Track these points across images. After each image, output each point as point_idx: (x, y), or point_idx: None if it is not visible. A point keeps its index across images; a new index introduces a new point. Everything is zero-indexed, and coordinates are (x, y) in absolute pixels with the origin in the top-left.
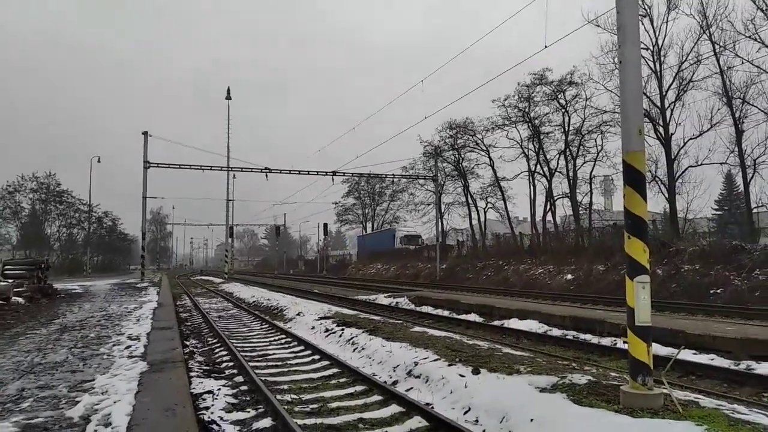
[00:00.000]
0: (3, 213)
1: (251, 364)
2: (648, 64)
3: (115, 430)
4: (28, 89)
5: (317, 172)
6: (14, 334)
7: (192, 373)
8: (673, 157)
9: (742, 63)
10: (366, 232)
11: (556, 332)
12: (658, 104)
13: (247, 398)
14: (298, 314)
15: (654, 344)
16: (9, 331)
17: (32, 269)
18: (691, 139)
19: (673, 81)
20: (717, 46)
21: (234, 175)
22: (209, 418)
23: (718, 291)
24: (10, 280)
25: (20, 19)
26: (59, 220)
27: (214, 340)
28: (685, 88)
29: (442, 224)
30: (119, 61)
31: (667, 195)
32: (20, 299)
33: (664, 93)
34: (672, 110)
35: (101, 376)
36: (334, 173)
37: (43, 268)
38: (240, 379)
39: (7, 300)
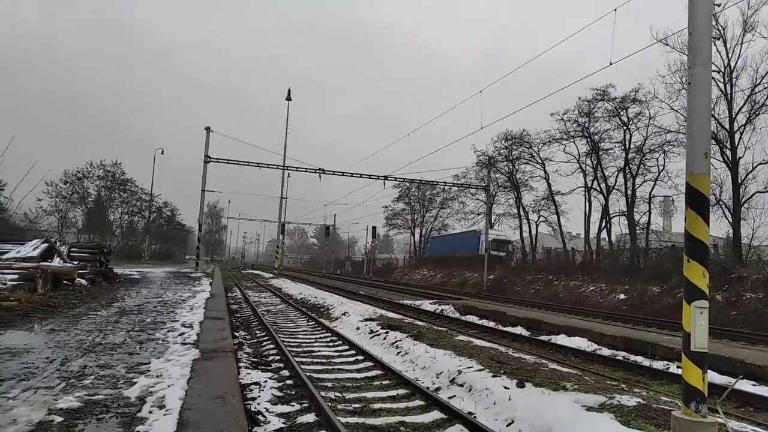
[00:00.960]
0: (71, 197)
1: (297, 359)
2: (718, 86)
3: (169, 412)
4: (95, 81)
5: (369, 175)
6: (77, 314)
7: (240, 364)
8: (739, 181)
9: None
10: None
11: (605, 352)
12: (727, 127)
13: (292, 392)
14: (344, 314)
15: (710, 372)
16: (72, 311)
17: (95, 253)
18: (760, 164)
19: (744, 104)
20: None
21: (289, 174)
22: (256, 408)
23: None
24: (75, 262)
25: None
26: (122, 207)
27: (262, 333)
28: (757, 112)
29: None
30: (181, 57)
31: (731, 220)
32: (83, 281)
33: (733, 116)
34: (741, 134)
35: (156, 360)
36: (386, 177)
37: (106, 253)
38: (286, 373)
39: (72, 280)
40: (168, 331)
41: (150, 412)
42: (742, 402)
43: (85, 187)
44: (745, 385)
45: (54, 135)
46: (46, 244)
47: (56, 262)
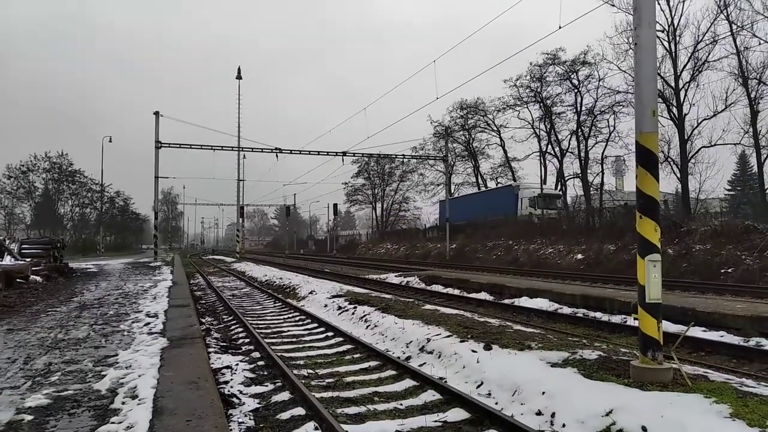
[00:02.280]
0: (17, 193)
1: (267, 340)
2: (663, 44)
3: (142, 401)
4: (41, 69)
5: (327, 152)
6: (35, 311)
7: (210, 350)
8: (686, 137)
9: (760, 43)
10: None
11: (566, 310)
12: (672, 85)
13: (265, 373)
14: (311, 292)
15: (664, 321)
16: (30, 309)
17: (48, 248)
18: (705, 119)
19: (688, 61)
20: (734, 26)
21: (244, 155)
22: (229, 391)
23: (729, 270)
24: (28, 259)
25: None
26: (72, 199)
27: (230, 318)
28: (701, 69)
29: None
30: (129, 39)
31: (679, 175)
32: (38, 278)
33: (678, 73)
34: (686, 91)
35: (124, 351)
36: (344, 153)
37: (59, 248)
38: (257, 354)
39: (26, 278)
40: (133, 322)
41: (123, 402)
42: (694, 348)
43: (31, 181)
44: (697, 332)
45: None
46: None
47: (7, 260)
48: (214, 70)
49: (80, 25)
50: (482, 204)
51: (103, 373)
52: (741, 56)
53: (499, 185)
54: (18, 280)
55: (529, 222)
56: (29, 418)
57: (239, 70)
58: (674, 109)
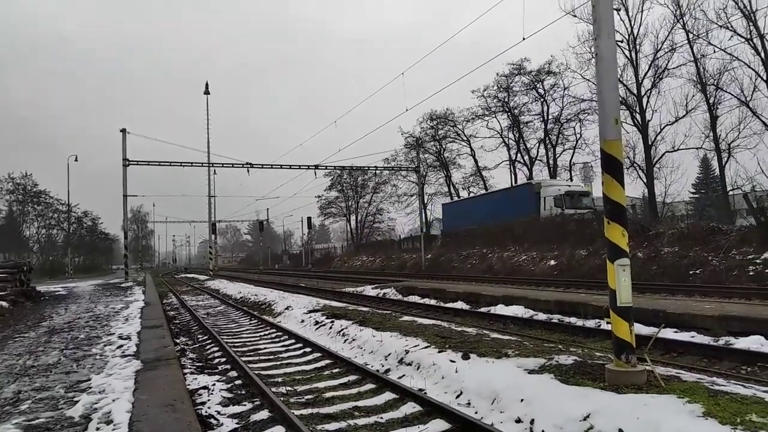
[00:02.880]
0: None
1: (244, 359)
2: (624, 53)
3: (117, 426)
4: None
5: (299, 165)
6: (2, 338)
7: (185, 370)
8: (650, 143)
9: (715, 51)
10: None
11: (541, 316)
12: (635, 92)
13: (243, 392)
14: (287, 308)
15: (636, 324)
16: None
17: (14, 272)
18: (667, 125)
19: (649, 69)
20: (691, 35)
21: (215, 171)
22: (207, 412)
23: (697, 271)
24: None
25: None
26: (38, 221)
27: (205, 337)
28: (661, 76)
29: (426, 214)
30: (93, 58)
31: (645, 180)
32: (4, 303)
33: (640, 81)
34: (648, 97)
35: (96, 375)
36: (316, 167)
37: (26, 271)
38: (234, 374)
39: None
40: (105, 345)
41: (97, 429)
42: (667, 349)
43: None
44: (668, 333)
45: None
46: None
47: None
48: (181, 86)
49: (37, 44)
50: (495, 206)
51: (75, 399)
52: (698, 63)
53: (517, 184)
54: None
55: (560, 223)
56: None
57: (207, 85)
58: (638, 116)
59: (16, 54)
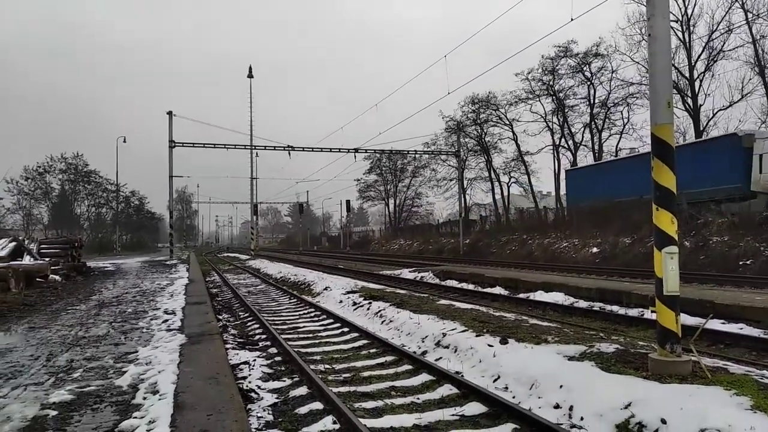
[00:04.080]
0: (34, 194)
1: (283, 336)
2: (677, 35)
3: (163, 396)
4: (56, 73)
5: (339, 149)
6: (55, 310)
7: (227, 346)
8: (701, 128)
9: None
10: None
11: (582, 304)
12: (687, 75)
13: (282, 368)
14: (326, 289)
15: (682, 314)
16: (50, 307)
17: (66, 248)
18: (720, 110)
19: (703, 51)
20: (749, 14)
21: (257, 154)
22: (248, 386)
23: (748, 262)
24: (47, 259)
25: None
26: (88, 199)
27: (246, 314)
28: (715, 59)
29: (465, 199)
30: (144, 44)
31: None
32: (57, 277)
33: (692, 64)
34: (701, 81)
35: (143, 348)
36: (356, 150)
37: (77, 247)
38: (273, 350)
39: (45, 278)
40: (151, 319)
41: (144, 398)
42: (713, 340)
43: (48, 182)
44: (715, 324)
45: (9, 132)
46: (14, 243)
47: (27, 260)
48: (226, 72)
49: (84, 35)
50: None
51: (123, 369)
52: (757, 45)
53: (708, 138)
54: (38, 279)
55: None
56: (54, 413)
57: (250, 68)
58: (689, 100)
59: (68, 39)
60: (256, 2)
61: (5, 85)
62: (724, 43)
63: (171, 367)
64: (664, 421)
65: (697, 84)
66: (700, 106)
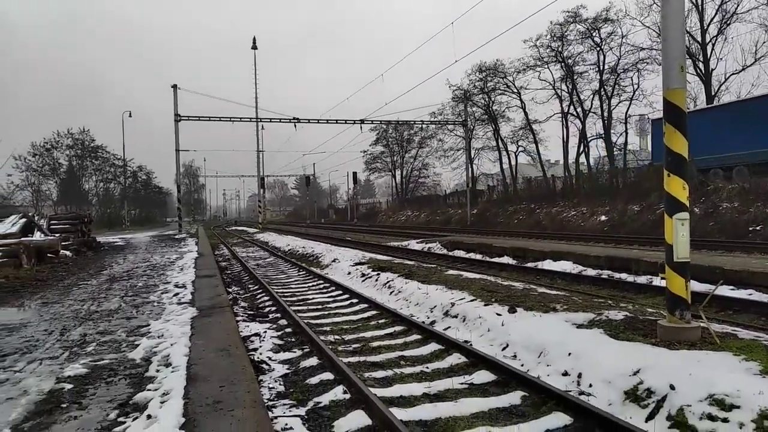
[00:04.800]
0: (42, 170)
1: (293, 308)
2: None
3: (176, 369)
4: (58, 48)
5: (345, 120)
6: (67, 285)
7: (238, 318)
8: (713, 93)
9: None
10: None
11: (590, 272)
12: (699, 39)
13: (292, 340)
14: (334, 261)
15: (691, 281)
16: (62, 283)
17: (76, 223)
18: (733, 74)
19: (716, 14)
20: None
21: (263, 126)
22: (259, 358)
23: (758, 228)
24: (57, 235)
25: None
26: (96, 175)
27: (255, 287)
28: (728, 21)
29: (473, 169)
30: (144, 17)
31: None
32: (68, 252)
33: (705, 27)
34: (713, 45)
35: (155, 321)
36: (362, 121)
37: (87, 222)
38: (284, 322)
39: (56, 253)
40: (162, 293)
41: (157, 370)
42: (722, 306)
43: (55, 158)
44: (725, 291)
45: (14, 108)
46: (24, 219)
47: (37, 236)
48: (230, 44)
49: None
50: None
51: (136, 342)
52: None
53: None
54: (49, 255)
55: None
56: (69, 386)
57: (254, 40)
58: (701, 65)
59: (72, 17)
60: None
61: (6, 54)
62: (738, 5)
63: (183, 340)
64: (672, 387)
65: (709, 48)
66: (712, 70)
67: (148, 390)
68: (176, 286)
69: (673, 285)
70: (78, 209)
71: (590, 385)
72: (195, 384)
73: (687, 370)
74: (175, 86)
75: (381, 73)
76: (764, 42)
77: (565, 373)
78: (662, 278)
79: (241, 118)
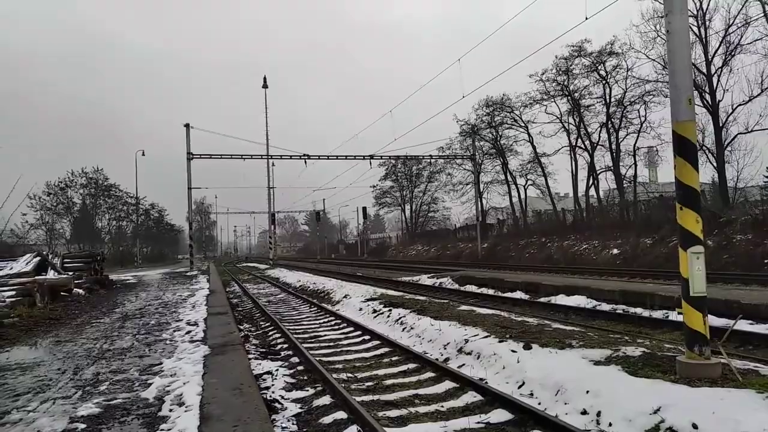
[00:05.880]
0: (56, 209)
1: (305, 345)
2: (693, 30)
3: (189, 408)
4: (73, 88)
5: (354, 156)
6: (80, 323)
7: (250, 356)
8: (721, 124)
9: None
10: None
11: (605, 307)
12: (704, 71)
13: (305, 378)
14: (345, 297)
15: (709, 315)
16: (75, 321)
17: (89, 261)
18: (740, 105)
19: (720, 46)
20: (767, 7)
21: (273, 163)
22: (272, 396)
23: None
24: (70, 273)
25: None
26: (108, 213)
27: (267, 324)
28: (733, 53)
29: (482, 203)
30: (156, 55)
31: (715, 164)
32: (81, 291)
33: (710, 59)
34: (719, 76)
35: (167, 360)
36: (371, 156)
37: (100, 260)
38: (295, 360)
39: (70, 291)
40: (174, 331)
41: (170, 410)
42: (742, 341)
43: (69, 197)
44: (743, 325)
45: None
46: (38, 258)
47: (51, 274)
48: (240, 82)
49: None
50: None
51: (149, 381)
52: None
53: None
54: (62, 293)
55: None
56: (82, 426)
57: (265, 79)
58: (707, 96)
59: (85, 54)
60: (273, 14)
61: (21, 94)
62: (742, 36)
63: (196, 379)
64: (695, 426)
65: (715, 79)
66: (719, 101)
67: (162, 430)
68: (188, 323)
69: (690, 320)
70: (91, 247)
71: (610, 424)
72: (208, 423)
73: (710, 409)
74: (187, 125)
75: (390, 109)
76: None
77: (584, 412)
78: (679, 313)
79: (252, 155)
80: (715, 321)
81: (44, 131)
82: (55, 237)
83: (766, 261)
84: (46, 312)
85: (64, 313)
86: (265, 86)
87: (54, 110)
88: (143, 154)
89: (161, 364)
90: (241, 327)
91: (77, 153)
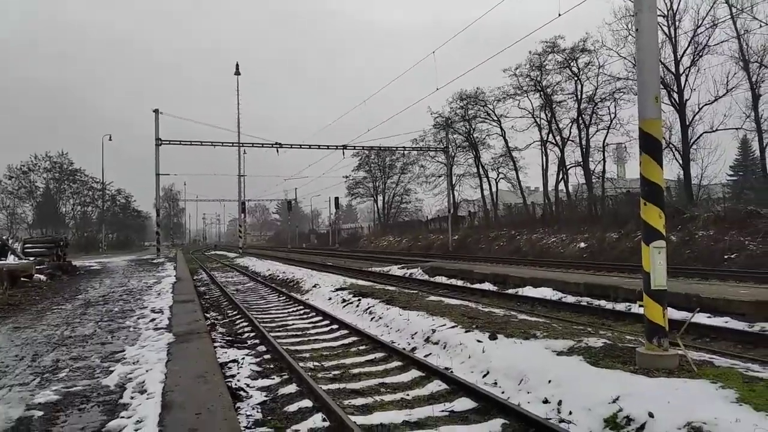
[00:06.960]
0: (18, 192)
1: (272, 334)
2: (662, 30)
3: (151, 396)
4: (38, 71)
5: (327, 146)
6: (41, 309)
7: (216, 344)
8: (687, 123)
9: (761, 26)
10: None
11: (570, 299)
12: (673, 70)
13: (271, 366)
14: (315, 286)
15: (668, 308)
16: (35, 307)
17: (52, 247)
18: (706, 104)
19: (688, 46)
20: (734, 9)
21: (245, 151)
22: (237, 385)
23: (733, 256)
24: (31, 258)
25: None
26: (73, 198)
27: (234, 312)
28: (701, 53)
29: (454, 196)
30: (127, 40)
31: (681, 161)
32: (42, 276)
33: (678, 59)
34: (687, 76)
35: (130, 347)
36: (344, 147)
37: (62, 246)
38: (262, 348)
39: (30, 277)
40: (138, 318)
41: (132, 397)
42: (699, 334)
43: (32, 181)
44: (701, 318)
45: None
46: None
47: (11, 259)
48: (212, 71)
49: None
50: None
51: (110, 368)
52: (741, 40)
53: None
54: (22, 279)
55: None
56: (39, 414)
57: (237, 65)
58: (675, 95)
59: (54, 39)
60: (246, 3)
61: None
62: (709, 37)
63: (159, 366)
64: (651, 415)
65: (683, 79)
66: (686, 100)
67: (122, 417)
68: (153, 311)
69: (650, 313)
70: (54, 233)
71: (570, 413)
72: (170, 411)
73: (665, 398)
74: (156, 110)
75: (364, 99)
76: (735, 74)
77: (546, 401)
78: (640, 305)
79: (222, 142)
80: (675, 314)
81: (5, 115)
82: (17, 221)
83: (725, 257)
84: (5, 298)
85: (24, 299)
86: (237, 73)
87: (17, 93)
88: (110, 139)
89: (124, 351)
90: (208, 315)
91: (43, 138)
